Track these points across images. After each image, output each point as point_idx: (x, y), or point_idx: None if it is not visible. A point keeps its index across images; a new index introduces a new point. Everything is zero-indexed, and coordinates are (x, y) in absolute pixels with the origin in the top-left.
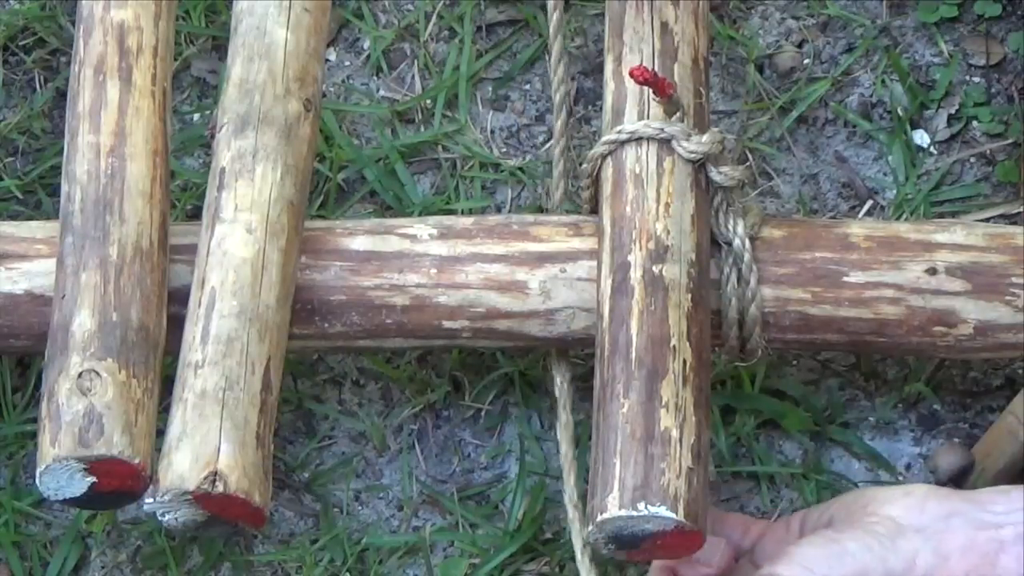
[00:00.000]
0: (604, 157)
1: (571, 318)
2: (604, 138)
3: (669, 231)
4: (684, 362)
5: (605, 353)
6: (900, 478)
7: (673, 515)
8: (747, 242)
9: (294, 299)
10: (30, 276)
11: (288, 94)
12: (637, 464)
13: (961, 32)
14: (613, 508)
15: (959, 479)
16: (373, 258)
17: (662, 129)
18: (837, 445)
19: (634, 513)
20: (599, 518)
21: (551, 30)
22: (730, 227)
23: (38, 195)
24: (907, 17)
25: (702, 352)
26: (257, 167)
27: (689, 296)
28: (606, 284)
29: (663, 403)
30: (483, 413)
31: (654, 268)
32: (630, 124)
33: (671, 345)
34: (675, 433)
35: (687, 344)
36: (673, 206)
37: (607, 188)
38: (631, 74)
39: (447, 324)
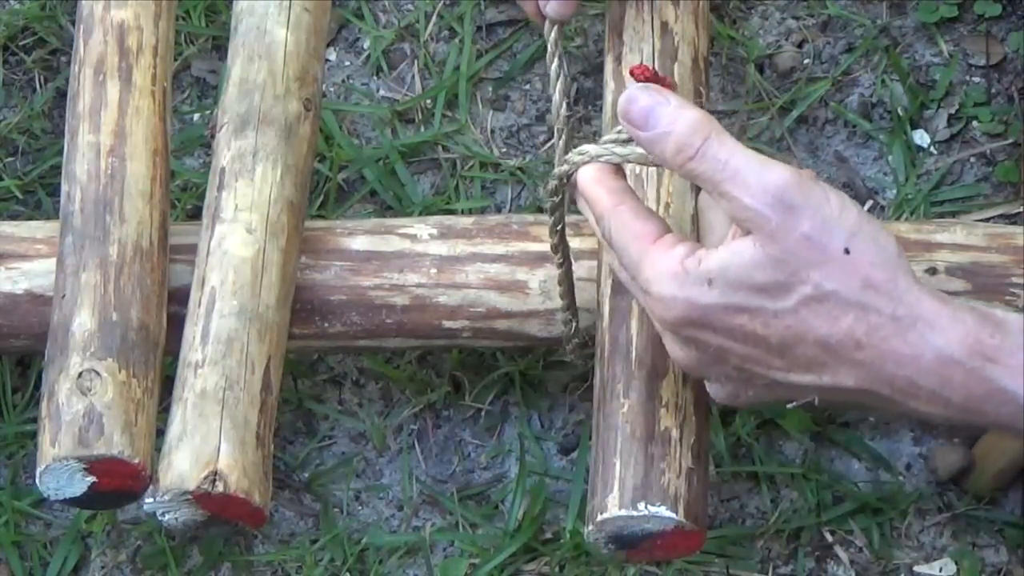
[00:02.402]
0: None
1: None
2: (605, 138)
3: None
4: None
5: (605, 353)
6: (900, 478)
7: (673, 515)
8: None
9: (294, 299)
10: (30, 276)
11: (288, 94)
12: (637, 464)
13: (961, 32)
14: (613, 508)
15: (959, 479)
16: (373, 258)
17: None
18: (837, 445)
19: (634, 513)
20: (599, 518)
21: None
22: None
23: (38, 195)
24: (907, 17)
25: None
26: (257, 167)
27: None
28: (606, 284)
29: (663, 403)
30: (483, 413)
31: None
32: None
33: None
34: (675, 433)
35: None
36: (673, 206)
37: None
38: (631, 72)
39: (447, 324)
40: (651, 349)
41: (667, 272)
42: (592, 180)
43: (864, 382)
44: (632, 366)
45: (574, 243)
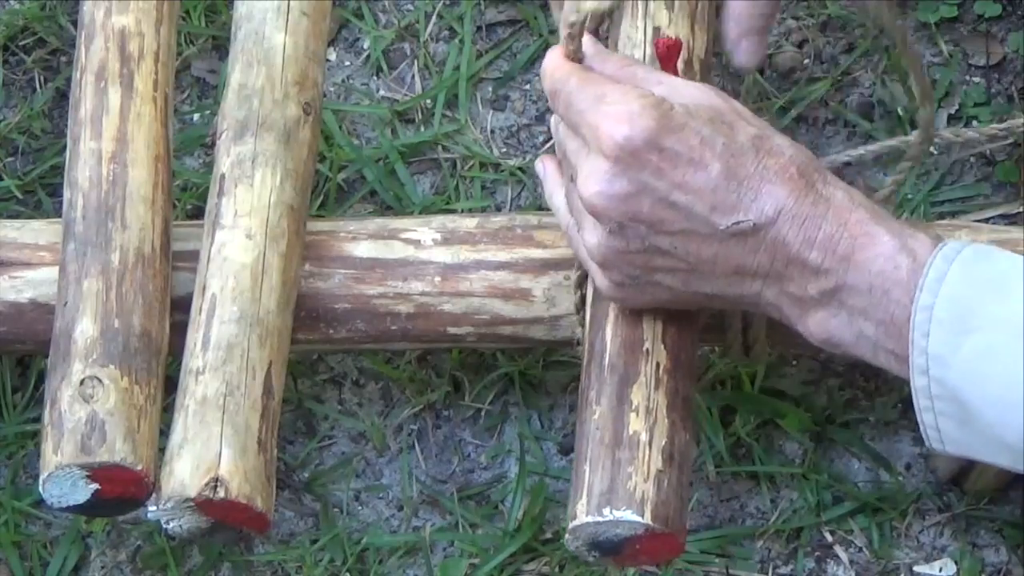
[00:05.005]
0: None
1: (575, 324)
2: None
3: None
4: (657, 365)
5: (584, 361)
6: (900, 478)
7: (639, 519)
8: None
9: (299, 307)
10: (34, 285)
11: (287, 98)
12: (604, 470)
13: (961, 32)
14: (581, 515)
15: (959, 479)
16: (377, 266)
17: None
18: (837, 445)
19: (600, 519)
20: (570, 525)
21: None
22: None
23: (38, 195)
24: (907, 17)
25: (681, 353)
26: (256, 172)
27: None
28: (589, 291)
29: (633, 407)
30: (483, 413)
31: None
32: None
33: (644, 348)
34: (644, 436)
35: (662, 347)
36: None
37: None
38: (656, 44)
39: (452, 330)
40: (623, 354)
41: (636, 93)
42: (558, 55)
43: (783, 211)
44: (605, 372)
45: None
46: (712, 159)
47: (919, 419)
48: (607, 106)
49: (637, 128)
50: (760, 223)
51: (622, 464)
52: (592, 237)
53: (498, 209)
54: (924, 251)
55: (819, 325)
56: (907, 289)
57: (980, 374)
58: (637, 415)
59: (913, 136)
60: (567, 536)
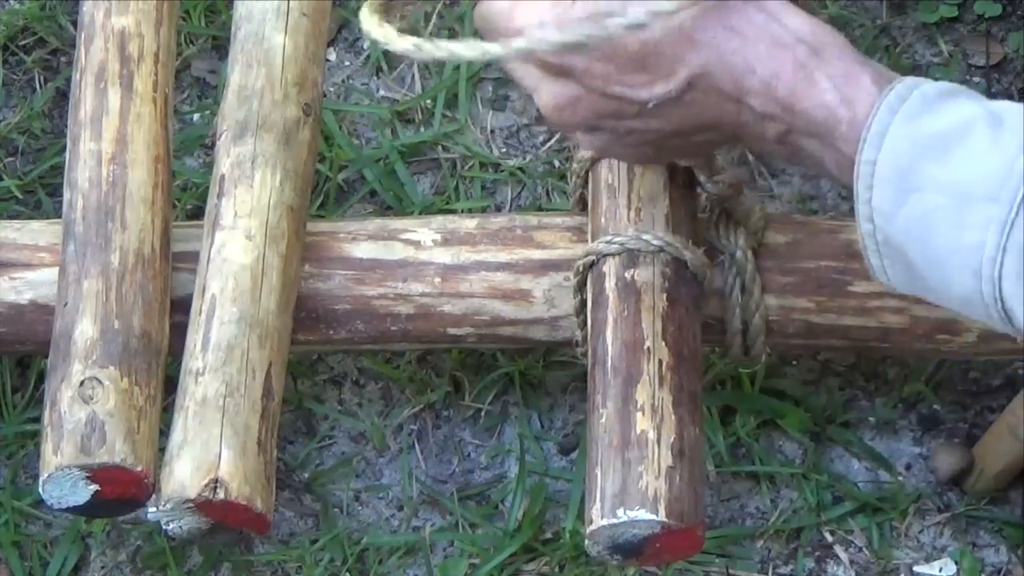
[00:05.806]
0: (594, 161)
1: (575, 325)
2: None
3: (641, 236)
4: (660, 362)
5: (589, 366)
6: (900, 478)
7: (654, 516)
8: (749, 253)
9: (299, 307)
10: (35, 286)
11: (287, 99)
12: (615, 472)
13: (961, 32)
14: (597, 519)
15: (959, 479)
16: (377, 267)
17: None
18: (837, 445)
19: (615, 521)
20: (588, 531)
21: None
22: (731, 239)
23: (38, 195)
24: (907, 17)
25: (682, 349)
26: (256, 173)
27: (664, 296)
28: (589, 295)
29: (638, 407)
30: (483, 413)
31: (626, 274)
32: None
33: (645, 347)
34: (652, 435)
35: (663, 344)
36: (644, 210)
37: (591, 201)
38: None
39: (452, 331)
40: (625, 355)
41: (539, 5)
42: None
43: (709, 64)
44: (608, 375)
45: (576, 250)
46: (620, 40)
47: (865, 258)
48: (514, 21)
49: (537, 40)
50: (693, 81)
51: (632, 464)
52: (579, 139)
53: (498, 209)
54: (865, 100)
55: (787, 157)
56: (850, 142)
57: (921, 235)
58: (643, 414)
59: None
60: (587, 542)
